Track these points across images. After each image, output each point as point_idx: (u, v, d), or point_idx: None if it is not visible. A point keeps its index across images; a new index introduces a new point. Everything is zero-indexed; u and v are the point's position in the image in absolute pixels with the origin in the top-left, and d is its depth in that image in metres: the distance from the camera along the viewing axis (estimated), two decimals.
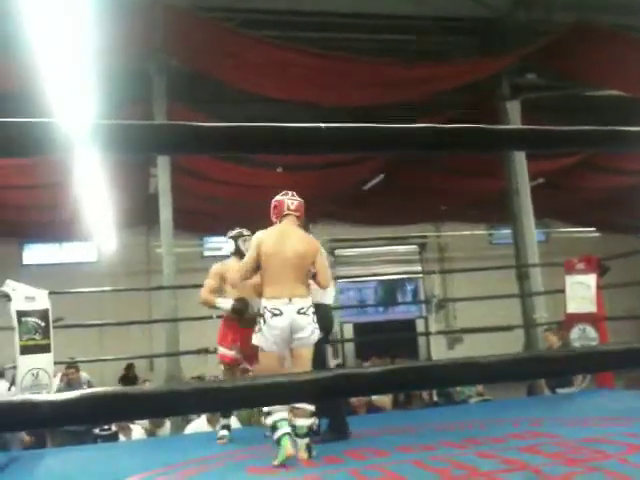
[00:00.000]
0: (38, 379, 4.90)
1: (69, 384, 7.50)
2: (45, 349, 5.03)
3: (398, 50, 8.91)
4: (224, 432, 4.84)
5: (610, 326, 6.67)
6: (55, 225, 12.10)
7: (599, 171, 12.02)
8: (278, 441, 3.84)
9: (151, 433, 7.25)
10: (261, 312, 4.00)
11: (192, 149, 1.09)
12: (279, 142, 0.90)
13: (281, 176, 10.07)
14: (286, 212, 4.21)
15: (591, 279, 6.52)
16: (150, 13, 6.93)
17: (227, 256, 5.19)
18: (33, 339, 4.96)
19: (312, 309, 4.02)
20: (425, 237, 16.76)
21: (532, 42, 8.51)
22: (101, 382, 10.24)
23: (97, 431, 6.37)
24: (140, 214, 12.17)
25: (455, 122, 1.11)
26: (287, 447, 3.79)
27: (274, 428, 3.87)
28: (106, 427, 6.30)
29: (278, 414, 3.88)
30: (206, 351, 6.60)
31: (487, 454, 3.55)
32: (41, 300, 5.13)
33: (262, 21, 8.34)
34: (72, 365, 7.86)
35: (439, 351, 15.51)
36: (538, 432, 4.03)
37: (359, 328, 15.84)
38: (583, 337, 6.49)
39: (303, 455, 3.88)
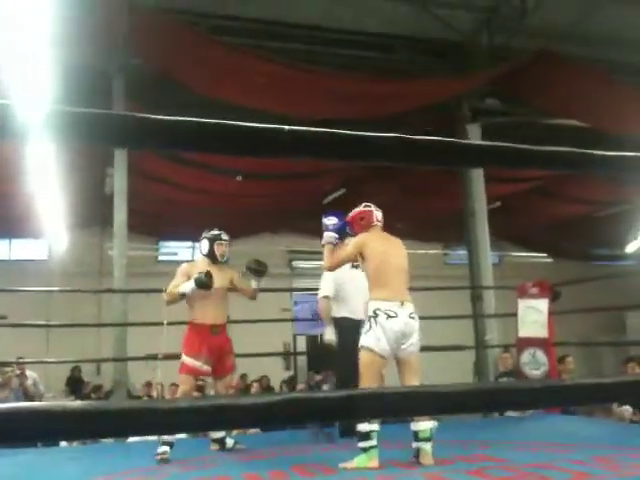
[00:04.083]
0: None
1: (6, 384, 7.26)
2: None
3: (364, 66, 8.93)
4: (166, 448, 4.36)
5: (559, 352, 6.75)
6: (5, 220, 11.77)
7: (555, 198, 12.27)
8: (365, 450, 3.80)
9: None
10: (370, 314, 3.98)
11: (139, 142, 1.02)
12: (236, 141, 0.84)
13: (240, 184, 9.99)
14: (375, 223, 4.35)
15: (543, 304, 6.57)
16: (115, 9, 6.78)
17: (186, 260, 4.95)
18: None
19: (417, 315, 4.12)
20: None
21: (495, 67, 8.63)
22: (46, 383, 9.95)
23: None
24: (94, 214, 11.94)
25: None
26: (374, 460, 3.78)
27: (366, 437, 3.82)
28: None
29: (375, 425, 3.84)
30: (154, 358, 6.42)
31: (434, 476, 3.51)
32: None
33: (228, 28, 8.27)
34: (14, 365, 7.62)
35: (390, 367, 15.49)
36: (486, 455, 4.02)
37: (312, 341, 15.79)
38: (533, 361, 6.54)
39: (430, 461, 3.78)
